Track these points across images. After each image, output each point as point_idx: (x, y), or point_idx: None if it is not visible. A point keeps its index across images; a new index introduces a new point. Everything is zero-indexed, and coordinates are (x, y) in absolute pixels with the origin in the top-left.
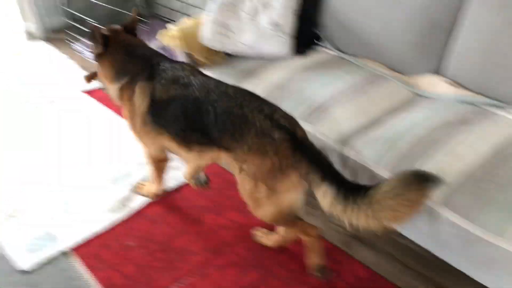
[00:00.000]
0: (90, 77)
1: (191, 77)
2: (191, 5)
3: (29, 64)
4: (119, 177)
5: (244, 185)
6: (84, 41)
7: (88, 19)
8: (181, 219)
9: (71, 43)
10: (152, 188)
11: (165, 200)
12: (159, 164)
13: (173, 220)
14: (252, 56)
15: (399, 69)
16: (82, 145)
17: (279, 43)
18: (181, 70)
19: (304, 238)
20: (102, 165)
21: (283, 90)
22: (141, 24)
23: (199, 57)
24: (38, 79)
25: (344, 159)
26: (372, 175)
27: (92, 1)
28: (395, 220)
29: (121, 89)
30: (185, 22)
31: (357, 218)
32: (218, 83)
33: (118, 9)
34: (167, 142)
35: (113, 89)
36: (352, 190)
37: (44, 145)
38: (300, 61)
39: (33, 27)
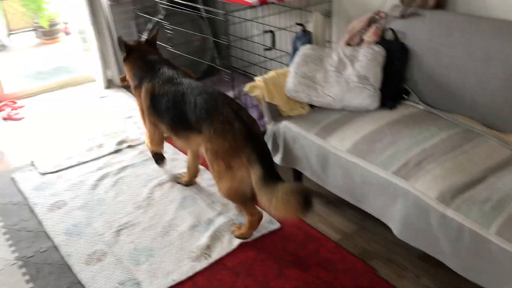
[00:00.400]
0: (124, 79)
1: (183, 79)
2: (268, 59)
3: (107, 111)
4: (199, 224)
5: (209, 162)
6: None
7: None
8: (264, 272)
9: None
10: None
11: (246, 251)
12: (156, 138)
13: (256, 272)
14: (338, 108)
15: (495, 126)
16: (161, 191)
17: (367, 96)
18: (176, 74)
19: (249, 217)
20: (182, 212)
21: (373, 143)
22: (217, 74)
23: (283, 107)
24: (116, 126)
25: (445, 220)
26: (479, 239)
27: (174, 51)
28: (282, 212)
29: (135, 88)
30: (270, 74)
31: (263, 198)
32: (203, 85)
33: (196, 59)
34: (165, 131)
35: (134, 88)
36: (272, 178)
37: (124, 190)
38: (389, 115)
39: (113, 75)
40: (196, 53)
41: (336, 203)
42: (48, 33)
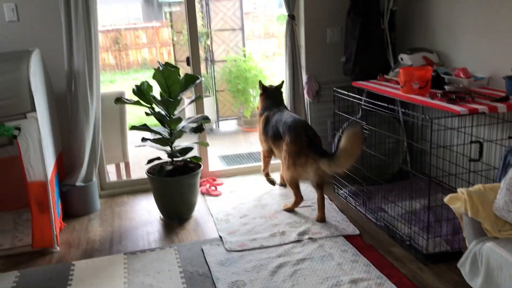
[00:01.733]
0: (258, 108)
1: (285, 111)
2: (470, 171)
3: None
4: None
5: (283, 157)
6: (350, 188)
7: (359, 166)
8: None
9: (337, 188)
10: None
11: None
12: (265, 158)
13: None
14: None
15: None
16: None
17: None
18: (283, 108)
19: (295, 198)
20: None
21: None
22: (409, 179)
23: (488, 226)
24: (299, 217)
25: None
26: None
27: (366, 150)
28: (345, 163)
29: (259, 115)
30: (476, 187)
31: (331, 167)
32: (293, 113)
33: (388, 160)
34: (270, 143)
35: (259, 115)
36: (330, 156)
37: (301, 283)
38: None
39: None
40: (388, 155)
41: None
42: (249, 122)
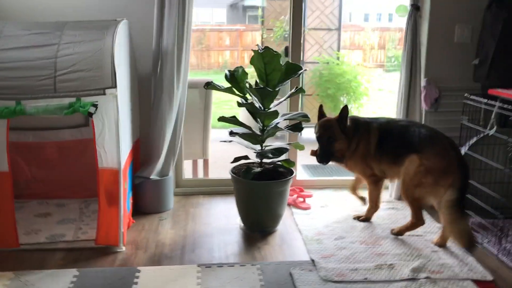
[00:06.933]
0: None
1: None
2: None
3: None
4: None
5: (417, 173)
6: (477, 221)
7: (494, 194)
8: None
9: None
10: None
11: None
12: (376, 182)
13: None
14: None
15: None
16: None
17: None
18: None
19: (413, 220)
20: None
21: None
22: None
23: None
24: (411, 247)
25: None
26: None
27: (506, 173)
28: (451, 238)
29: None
30: None
31: (444, 217)
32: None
33: None
34: (383, 164)
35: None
36: (459, 208)
37: None
38: None
39: None
40: None
41: None
42: None
